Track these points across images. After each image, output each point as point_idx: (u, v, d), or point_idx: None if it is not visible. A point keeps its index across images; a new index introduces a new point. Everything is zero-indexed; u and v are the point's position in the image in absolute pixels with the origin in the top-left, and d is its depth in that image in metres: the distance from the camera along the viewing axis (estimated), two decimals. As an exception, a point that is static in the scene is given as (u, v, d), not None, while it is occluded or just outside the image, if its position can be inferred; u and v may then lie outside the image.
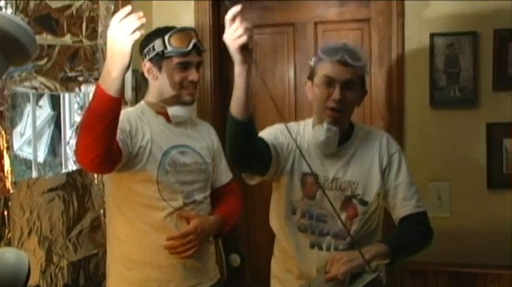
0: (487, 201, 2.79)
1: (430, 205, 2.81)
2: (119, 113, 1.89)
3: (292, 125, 2.20)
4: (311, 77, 2.09)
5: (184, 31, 2.20)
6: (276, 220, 2.18)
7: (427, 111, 2.84)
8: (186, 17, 3.09)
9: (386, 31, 2.88)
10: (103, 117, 1.83)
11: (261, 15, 3.15)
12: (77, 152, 1.96)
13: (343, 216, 2.03)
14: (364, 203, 2.05)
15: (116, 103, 1.84)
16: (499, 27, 2.72)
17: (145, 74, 2.24)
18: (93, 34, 2.69)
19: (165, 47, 2.16)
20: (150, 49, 2.18)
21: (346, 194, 2.05)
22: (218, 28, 3.17)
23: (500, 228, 2.76)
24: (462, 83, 2.78)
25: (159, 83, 2.22)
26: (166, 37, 2.16)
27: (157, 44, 2.17)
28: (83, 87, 2.64)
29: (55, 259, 2.44)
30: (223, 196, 2.39)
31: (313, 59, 2.11)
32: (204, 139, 2.34)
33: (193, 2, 3.13)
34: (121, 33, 1.74)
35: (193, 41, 2.18)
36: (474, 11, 2.75)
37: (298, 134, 2.15)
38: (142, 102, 2.31)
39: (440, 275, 2.76)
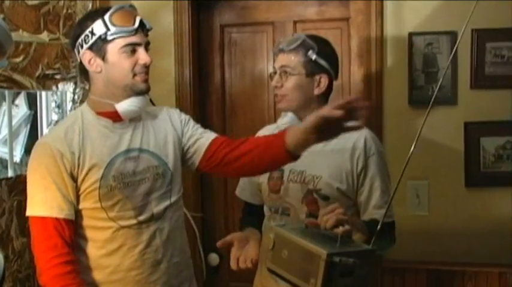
0: (465, 199, 2.81)
1: (409, 204, 2.84)
2: None
3: (272, 126, 2.24)
4: None
5: (124, 9, 1.88)
6: None
7: (406, 110, 2.85)
8: (165, 16, 3.06)
9: (366, 30, 2.89)
10: None
11: (240, 14, 3.14)
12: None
13: (304, 210, 2.01)
14: (325, 198, 1.98)
15: None
16: (476, 27, 2.74)
17: (87, 66, 1.89)
18: (70, 32, 2.65)
19: (108, 28, 1.84)
20: (88, 35, 1.85)
21: (309, 187, 2.00)
22: (197, 28, 3.16)
23: (478, 226, 2.79)
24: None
25: (105, 75, 1.89)
26: (106, 17, 1.84)
27: (98, 27, 1.84)
28: (60, 85, 2.61)
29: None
30: (224, 148, 1.97)
31: None
32: (162, 132, 1.99)
33: (172, 1, 3.10)
34: None
35: (139, 17, 1.88)
36: (452, 10, 2.76)
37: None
38: (84, 104, 1.98)
39: (419, 273, 2.78)
